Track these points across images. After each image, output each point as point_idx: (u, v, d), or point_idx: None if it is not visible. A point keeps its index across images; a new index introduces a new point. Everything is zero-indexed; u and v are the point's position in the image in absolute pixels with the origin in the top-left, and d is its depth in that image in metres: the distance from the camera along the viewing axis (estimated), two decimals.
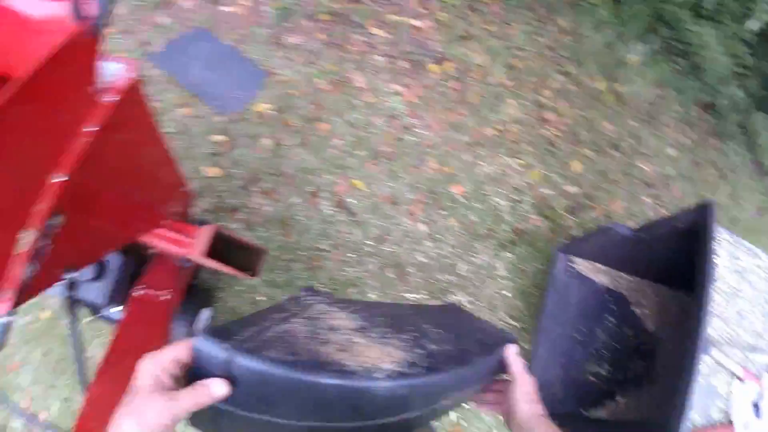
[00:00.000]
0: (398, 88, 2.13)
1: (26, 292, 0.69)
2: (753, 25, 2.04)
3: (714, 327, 1.33)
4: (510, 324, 1.92)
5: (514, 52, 2.39)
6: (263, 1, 2.27)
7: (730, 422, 1.28)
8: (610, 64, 2.54)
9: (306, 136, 1.98)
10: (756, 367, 1.36)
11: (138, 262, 1.30)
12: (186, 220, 1.35)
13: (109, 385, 0.96)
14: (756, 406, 1.35)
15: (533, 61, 2.40)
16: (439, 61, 2.26)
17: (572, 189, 2.12)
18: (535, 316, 1.96)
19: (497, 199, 2.01)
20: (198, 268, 1.67)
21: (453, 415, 1.80)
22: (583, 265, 1.86)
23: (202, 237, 1.23)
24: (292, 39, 2.19)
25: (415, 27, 2.32)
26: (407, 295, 1.83)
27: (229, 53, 2.13)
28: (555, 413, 1.76)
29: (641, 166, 2.33)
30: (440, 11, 2.39)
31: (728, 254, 1.41)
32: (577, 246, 1.83)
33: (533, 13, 2.58)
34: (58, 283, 0.85)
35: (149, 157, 1.02)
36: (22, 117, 0.61)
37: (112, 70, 0.76)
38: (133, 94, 0.79)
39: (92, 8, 0.63)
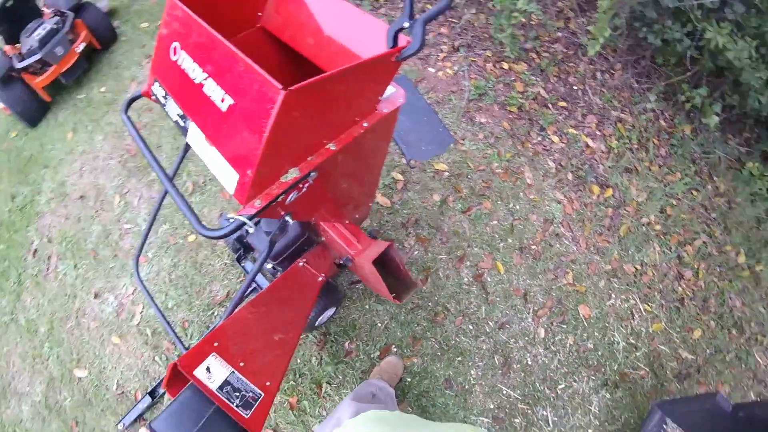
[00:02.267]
0: (560, 196, 2.29)
1: (267, 210, 0.83)
2: None
3: None
4: None
5: (670, 200, 2.48)
6: (464, 76, 2.53)
7: None
8: (756, 240, 2.56)
9: (470, 207, 2.17)
10: None
11: (306, 242, 1.49)
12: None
13: (252, 318, 1.10)
14: None
15: (685, 213, 2.48)
16: (601, 184, 2.39)
17: (687, 355, 2.15)
18: None
19: (616, 336, 2.07)
20: (341, 271, 1.87)
21: None
22: (674, 430, 1.86)
23: (376, 246, 1.34)
24: (481, 118, 2.41)
25: (588, 146, 2.48)
26: (503, 387, 1.92)
27: (425, 109, 2.38)
28: None
29: (757, 356, 2.31)
30: (613, 138, 2.54)
31: None
32: (675, 407, 1.82)
33: (695, 167, 2.67)
34: (278, 219, 0.96)
35: (371, 166, 1.23)
36: (334, 92, 0.80)
37: (389, 92, 0.99)
38: (393, 115, 1.01)
39: (405, 41, 0.84)
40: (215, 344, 0.94)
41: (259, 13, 1.19)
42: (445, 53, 2.60)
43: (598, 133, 2.52)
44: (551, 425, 1.93)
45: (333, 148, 0.89)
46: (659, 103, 2.75)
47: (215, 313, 1.96)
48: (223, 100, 0.80)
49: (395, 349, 1.90)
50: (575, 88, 2.64)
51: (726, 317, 2.32)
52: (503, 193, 2.24)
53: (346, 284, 1.99)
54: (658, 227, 2.38)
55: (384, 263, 1.37)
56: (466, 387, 1.89)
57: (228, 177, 0.83)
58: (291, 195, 0.88)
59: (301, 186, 0.88)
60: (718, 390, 2.17)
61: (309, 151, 0.87)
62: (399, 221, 2.14)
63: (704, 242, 2.45)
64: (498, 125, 2.41)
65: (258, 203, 0.81)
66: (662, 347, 2.13)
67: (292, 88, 0.69)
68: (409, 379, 1.87)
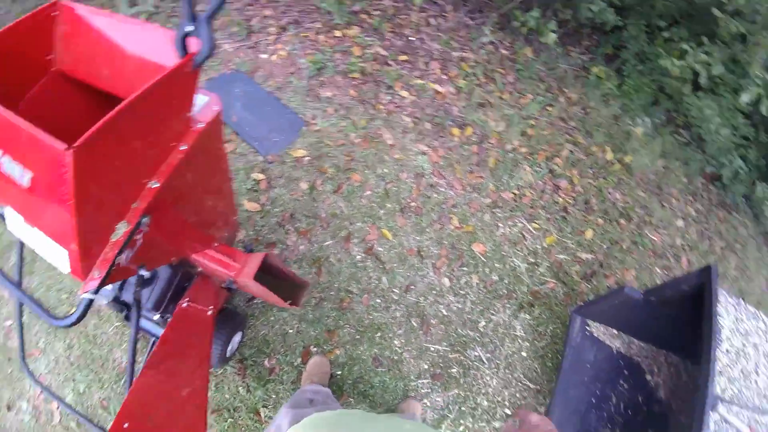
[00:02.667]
0: (424, 147, 2.25)
1: (111, 276, 0.77)
2: (745, 97, 2.16)
3: (720, 385, 1.33)
4: (526, 385, 1.94)
5: (528, 121, 2.56)
6: (299, 54, 2.41)
7: None
8: (617, 136, 2.73)
9: (340, 185, 2.05)
10: (763, 428, 1.37)
11: (184, 278, 1.36)
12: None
13: (152, 383, 1.02)
14: None
15: (546, 130, 2.57)
16: (459, 125, 2.39)
17: (586, 256, 2.22)
18: (552, 378, 1.98)
19: (516, 261, 2.08)
20: (233, 294, 1.72)
21: None
22: (597, 329, 1.92)
23: (252, 261, 1.27)
24: (326, 92, 2.30)
25: (437, 92, 2.47)
26: (430, 345, 1.84)
27: (266, 99, 2.22)
28: None
29: (651, 236, 2.46)
30: (459, 78, 2.57)
31: (732, 316, 1.44)
32: (591, 309, 1.89)
33: (544, 84, 2.79)
34: (131, 277, 0.91)
35: (216, 182, 1.12)
36: (131, 127, 0.72)
37: (201, 102, 0.89)
38: (215, 124, 0.91)
39: (196, 45, 0.74)
40: (125, 426, 0.87)
41: (49, 56, 0.98)
42: (274, 35, 2.45)
43: (444, 77, 2.53)
44: (486, 362, 1.90)
45: (156, 185, 0.81)
46: (496, 35, 2.83)
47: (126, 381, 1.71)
48: (23, 176, 0.72)
49: (315, 349, 1.77)
50: (412, 39, 2.63)
51: (611, 211, 2.44)
52: (368, 161, 2.14)
53: (244, 304, 1.81)
54: (523, 150, 2.43)
55: (270, 272, 1.34)
56: (395, 358, 1.81)
57: (58, 256, 0.77)
58: (126, 252, 0.80)
59: (136, 237, 0.82)
60: (625, 279, 2.26)
61: (130, 198, 0.80)
62: (274, 221, 1.97)
63: (570, 151, 2.55)
64: (345, 95, 2.32)
65: (97, 274, 0.76)
66: (561, 256, 2.17)
67: (77, 143, 0.61)
68: (339, 372, 1.75)
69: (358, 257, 1.94)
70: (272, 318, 1.80)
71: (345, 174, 2.09)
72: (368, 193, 2.07)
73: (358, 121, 2.24)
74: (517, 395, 1.93)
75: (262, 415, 1.66)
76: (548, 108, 2.69)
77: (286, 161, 2.09)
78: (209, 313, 1.31)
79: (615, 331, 1.94)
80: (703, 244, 2.64)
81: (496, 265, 2.04)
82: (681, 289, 1.55)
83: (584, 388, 1.82)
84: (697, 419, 1.19)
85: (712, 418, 1.25)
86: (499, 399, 1.89)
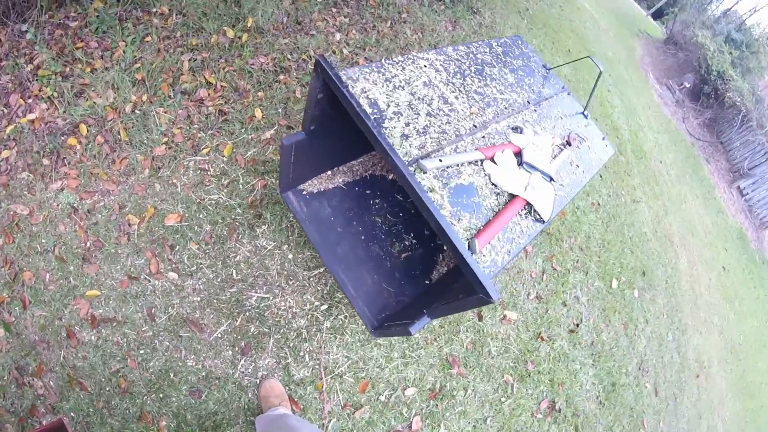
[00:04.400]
0: (60, 184, 1.86)
1: None
2: None
3: (412, 147, 1.23)
4: (316, 274, 1.91)
5: (131, 67, 2.22)
6: None
7: (514, 196, 1.26)
8: (227, 12, 2.51)
9: None
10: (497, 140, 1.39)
11: None
12: None
13: None
14: (527, 165, 1.32)
15: (154, 62, 2.26)
16: (72, 132, 2.00)
17: (269, 133, 2.12)
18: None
19: (213, 196, 1.92)
20: None
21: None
22: (311, 185, 1.84)
23: None
24: None
25: (31, 121, 2.01)
26: (215, 335, 1.69)
27: None
28: (410, 303, 1.70)
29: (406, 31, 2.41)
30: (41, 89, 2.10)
31: (368, 82, 1.31)
32: (286, 177, 1.73)
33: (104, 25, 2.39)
34: None
35: None
36: None
37: None
38: None
39: None
40: None
41: None
42: None
43: (27, 103, 2.05)
44: (268, 293, 1.84)
45: None
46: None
47: None
48: None
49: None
50: None
51: (263, 79, 2.32)
52: None
53: None
54: (144, 98, 2.14)
55: None
56: (205, 374, 1.65)
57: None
58: None
59: None
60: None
61: None
62: None
63: (190, 59, 2.30)
64: None
65: None
66: (249, 153, 2.04)
67: None
68: None
69: (93, 337, 1.62)
70: None
71: None
72: None
73: None
74: (318, 288, 1.93)
75: None
76: (145, 41, 2.35)
77: None
78: None
79: (324, 174, 1.89)
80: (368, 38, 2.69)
81: (200, 215, 1.88)
82: (315, 99, 1.42)
83: (347, 237, 1.80)
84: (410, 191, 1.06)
85: (424, 177, 1.17)
86: (308, 307, 1.88)
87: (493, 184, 1.25)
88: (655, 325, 3.31)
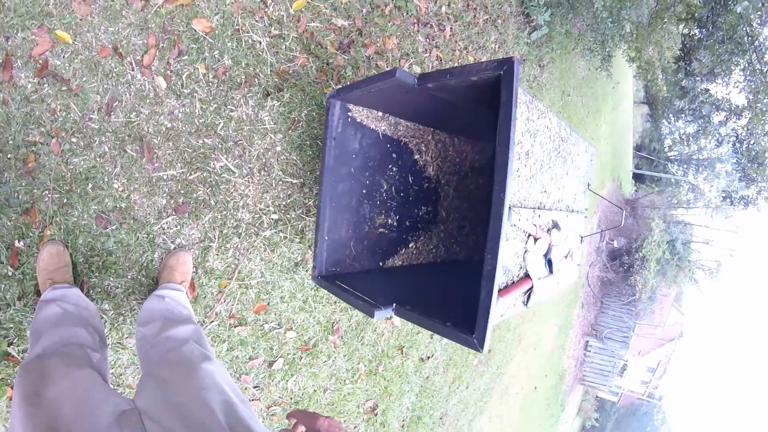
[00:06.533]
0: None
1: None
2: None
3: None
4: (288, 182, 1.79)
5: None
6: None
7: (528, 276, 1.35)
8: None
9: None
10: (543, 223, 1.43)
11: None
12: None
13: None
14: (548, 260, 1.47)
15: None
16: None
17: (343, 22, 1.91)
18: (315, 167, 1.86)
19: (255, 36, 1.67)
20: None
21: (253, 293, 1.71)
22: (360, 113, 1.73)
23: None
24: None
25: None
26: (160, 174, 1.49)
27: None
28: (351, 272, 1.68)
29: (416, 1, 2.21)
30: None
31: (523, 115, 1.29)
32: (353, 92, 1.58)
33: None
34: None
35: None
36: None
37: None
38: None
39: None
40: None
41: None
42: None
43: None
44: (236, 169, 1.67)
45: None
46: None
47: None
48: None
49: (21, 243, 1.30)
50: None
51: None
52: None
53: None
54: None
55: None
56: (123, 206, 1.44)
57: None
58: None
59: None
60: (386, 47, 2.06)
61: None
62: None
63: None
64: None
65: None
66: (312, 24, 1.83)
67: None
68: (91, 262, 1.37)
69: (30, 86, 1.30)
70: None
71: None
72: None
73: None
74: (281, 195, 1.80)
75: None
76: None
77: None
78: None
79: (380, 113, 1.78)
80: (467, 14, 2.53)
81: (228, 44, 1.62)
82: (468, 79, 1.23)
83: (353, 181, 1.71)
84: (494, 234, 1.06)
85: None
86: (262, 206, 1.75)
87: (523, 258, 1.30)
88: (470, 393, 3.77)
